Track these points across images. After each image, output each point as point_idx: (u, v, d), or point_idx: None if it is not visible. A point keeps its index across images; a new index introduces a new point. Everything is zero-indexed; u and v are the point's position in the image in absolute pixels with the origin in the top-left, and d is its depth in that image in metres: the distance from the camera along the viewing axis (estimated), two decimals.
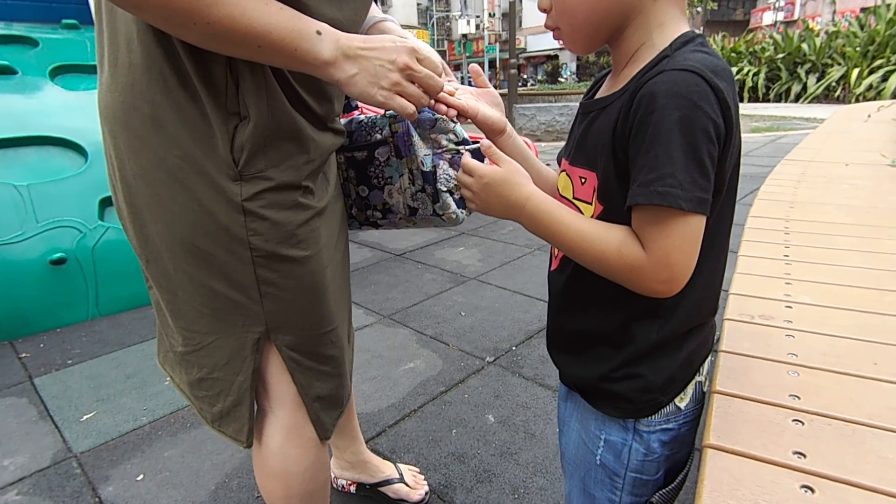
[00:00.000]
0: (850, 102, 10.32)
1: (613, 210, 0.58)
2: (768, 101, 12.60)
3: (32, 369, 2.00)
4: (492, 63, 30.15)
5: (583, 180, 0.63)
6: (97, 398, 1.80)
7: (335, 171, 0.89)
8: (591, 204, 0.61)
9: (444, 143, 0.90)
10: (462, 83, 0.83)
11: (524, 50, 30.28)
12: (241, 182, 0.68)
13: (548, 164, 0.80)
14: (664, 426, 0.64)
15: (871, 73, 10.36)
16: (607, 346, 0.64)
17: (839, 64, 11.30)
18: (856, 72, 10.56)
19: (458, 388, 1.79)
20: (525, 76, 28.55)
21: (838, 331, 0.82)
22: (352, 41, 0.66)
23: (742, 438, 0.57)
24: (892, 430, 0.57)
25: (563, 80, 21.20)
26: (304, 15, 0.62)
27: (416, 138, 0.88)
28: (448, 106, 0.74)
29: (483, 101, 0.78)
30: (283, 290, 0.76)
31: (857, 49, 10.95)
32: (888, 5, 11.30)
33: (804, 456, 0.54)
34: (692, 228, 0.51)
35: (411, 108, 0.69)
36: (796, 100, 11.94)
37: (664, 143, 0.49)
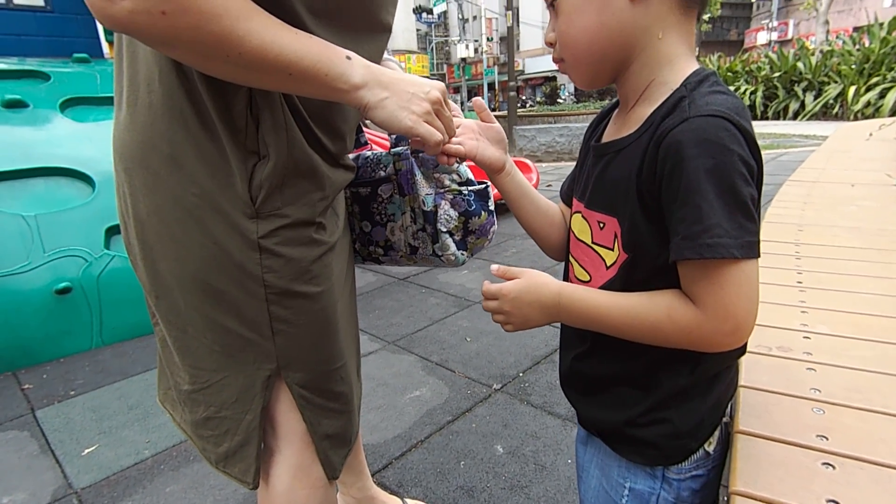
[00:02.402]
0: (848, 119, 10.40)
1: (641, 258, 0.56)
2: (766, 119, 12.69)
3: (35, 401, 1.97)
4: (491, 85, 30.56)
5: (601, 225, 0.61)
6: (99, 431, 1.77)
7: (343, 206, 0.89)
8: (612, 250, 0.60)
9: (448, 182, 0.90)
10: (461, 106, 0.82)
11: (522, 72, 30.75)
12: (257, 219, 0.68)
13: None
14: (694, 473, 0.61)
15: (868, 90, 10.45)
16: (633, 388, 0.62)
17: (836, 82, 11.41)
18: (853, 89, 10.66)
19: (466, 417, 1.76)
20: (524, 97, 28.91)
21: (860, 363, 0.80)
22: (384, 71, 0.67)
23: (770, 484, 0.55)
24: None
25: (561, 101, 21.47)
26: (335, 45, 0.63)
27: (419, 177, 0.88)
28: (448, 155, 0.73)
29: (486, 136, 0.77)
30: (295, 326, 0.75)
31: (853, 67, 11.07)
32: (881, 24, 11.46)
33: None
34: (747, 274, 0.49)
35: (439, 136, 0.69)
36: (794, 117, 12.03)
37: (703, 193, 0.47)
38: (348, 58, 0.63)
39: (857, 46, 11.88)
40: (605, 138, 0.65)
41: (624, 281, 0.58)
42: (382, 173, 0.92)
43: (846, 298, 1.05)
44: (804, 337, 0.90)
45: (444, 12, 33.81)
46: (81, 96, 3.03)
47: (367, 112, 0.67)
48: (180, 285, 0.71)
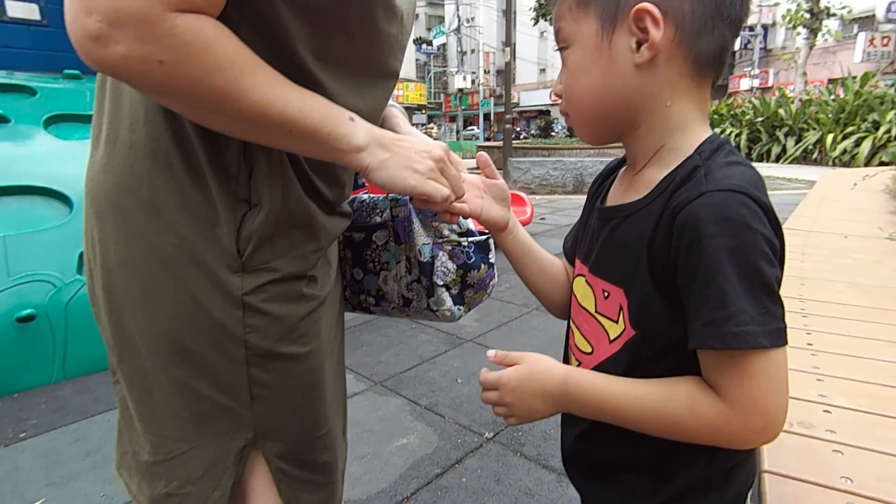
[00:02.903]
0: (827, 165, 10.75)
1: (650, 336, 0.52)
2: (751, 160, 12.99)
3: None
4: (487, 116, 31.21)
5: (606, 294, 0.57)
6: (48, 481, 1.61)
7: (336, 252, 0.83)
8: (616, 322, 0.56)
9: (447, 232, 0.85)
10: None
11: (517, 104, 31.44)
12: (242, 274, 0.63)
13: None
14: None
15: (844, 138, 10.82)
16: (644, 477, 0.57)
17: (814, 129, 11.81)
18: (830, 137, 11.03)
19: (455, 470, 1.66)
20: (518, 129, 29.50)
21: (887, 446, 0.74)
22: (385, 133, 0.64)
23: None
24: None
25: (555, 134, 21.97)
26: (336, 104, 0.60)
27: (416, 225, 0.84)
28: (452, 213, 0.70)
29: (490, 194, 0.74)
30: (277, 391, 0.68)
31: (830, 116, 11.49)
32: (854, 78, 12.00)
33: None
34: (777, 364, 0.45)
35: (446, 190, 0.66)
36: (777, 160, 12.37)
37: (726, 275, 0.44)
38: (351, 119, 0.61)
39: (833, 97, 12.36)
40: (611, 199, 0.62)
41: (630, 359, 0.54)
42: (378, 219, 0.87)
43: (860, 366, 1.00)
44: (824, 411, 0.85)
45: (444, 44, 34.77)
46: (68, 113, 2.96)
47: (368, 174, 0.63)
48: (148, 344, 0.65)
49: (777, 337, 0.44)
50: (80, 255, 2.30)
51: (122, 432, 0.77)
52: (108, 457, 1.72)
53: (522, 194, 4.69)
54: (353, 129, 0.60)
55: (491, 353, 0.58)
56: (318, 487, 0.77)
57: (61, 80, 3.45)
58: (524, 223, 4.48)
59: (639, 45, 0.50)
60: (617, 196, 0.61)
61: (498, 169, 0.80)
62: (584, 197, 0.70)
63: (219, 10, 0.52)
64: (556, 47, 0.58)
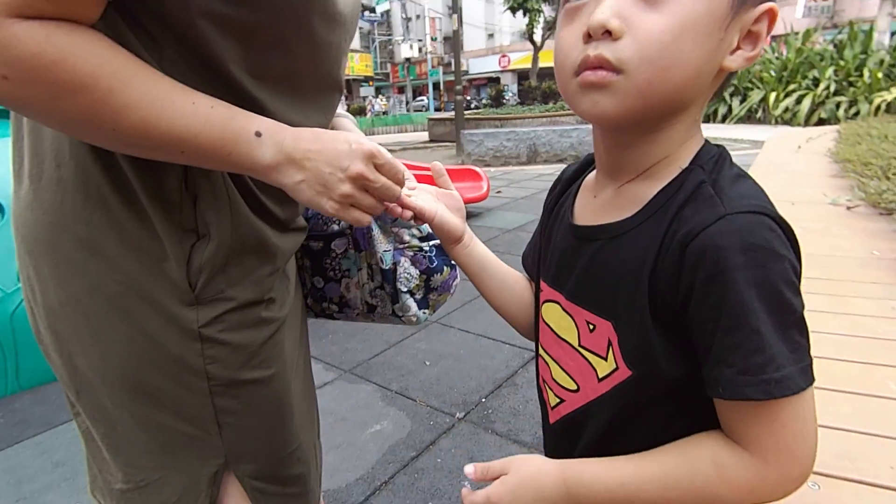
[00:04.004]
0: (770, 123, 11.19)
1: (650, 376, 0.46)
2: None
3: None
4: (436, 85, 30.64)
5: (591, 327, 0.51)
6: (18, 497, 1.55)
7: (294, 264, 0.81)
8: (605, 359, 0.50)
9: (408, 238, 0.84)
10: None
11: (466, 72, 30.94)
12: (197, 307, 0.60)
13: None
14: None
15: (786, 96, 11.27)
16: None
17: (758, 88, 12.22)
18: (773, 95, 11.45)
19: (430, 452, 1.69)
20: (469, 98, 29.13)
21: (841, 421, 0.80)
22: (299, 141, 0.56)
23: None
24: None
25: (505, 102, 21.83)
26: (245, 113, 0.54)
27: (376, 231, 0.83)
28: (403, 207, 0.64)
29: (443, 203, 0.69)
30: (244, 417, 0.67)
31: (773, 74, 11.91)
32: (796, 34, 12.42)
33: None
34: (809, 404, 0.40)
35: (367, 219, 0.61)
36: (723, 121, 12.79)
37: (757, 313, 0.39)
38: (258, 133, 0.54)
39: (777, 55, 12.78)
40: (584, 215, 0.54)
41: (623, 403, 0.49)
42: (336, 227, 0.85)
43: (813, 340, 1.06)
44: None
45: (387, 11, 33.55)
46: None
47: (288, 193, 0.58)
48: (105, 382, 0.62)
49: (810, 374, 0.40)
50: None
51: (91, 460, 0.75)
52: (77, 468, 1.66)
53: (478, 169, 4.64)
54: (258, 146, 0.54)
55: (469, 469, 0.50)
56: (295, 498, 0.77)
57: None
58: (481, 198, 4.42)
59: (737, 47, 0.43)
60: (593, 211, 0.53)
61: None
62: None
63: (90, 20, 0.46)
64: None
